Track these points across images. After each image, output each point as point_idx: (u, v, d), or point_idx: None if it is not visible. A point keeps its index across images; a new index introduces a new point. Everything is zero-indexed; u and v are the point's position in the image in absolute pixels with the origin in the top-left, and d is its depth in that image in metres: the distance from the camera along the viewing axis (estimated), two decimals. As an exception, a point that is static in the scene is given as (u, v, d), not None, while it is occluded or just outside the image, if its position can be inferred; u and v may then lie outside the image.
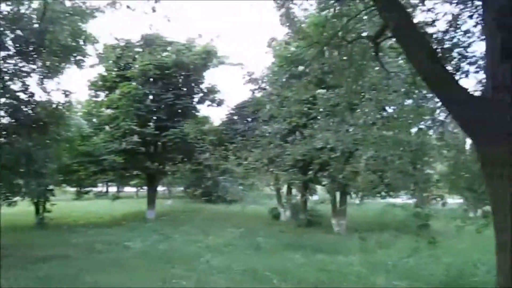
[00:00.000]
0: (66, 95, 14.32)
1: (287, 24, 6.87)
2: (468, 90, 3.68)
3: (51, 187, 17.88)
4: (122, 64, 20.35)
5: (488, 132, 3.45)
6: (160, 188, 35.04)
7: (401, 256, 10.41)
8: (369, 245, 12.40)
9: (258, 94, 19.41)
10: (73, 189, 26.18)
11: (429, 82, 3.77)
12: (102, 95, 21.76)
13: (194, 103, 21.58)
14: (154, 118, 19.99)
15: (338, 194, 17.28)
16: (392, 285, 8.45)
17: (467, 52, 4.68)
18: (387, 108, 9.20)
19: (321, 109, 7.48)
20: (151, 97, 20.15)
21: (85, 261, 10.74)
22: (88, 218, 21.13)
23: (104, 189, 35.99)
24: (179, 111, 20.78)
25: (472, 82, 5.02)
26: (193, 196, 27.71)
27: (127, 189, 42.67)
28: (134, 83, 19.64)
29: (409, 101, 6.49)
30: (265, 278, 9.12)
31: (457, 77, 4.65)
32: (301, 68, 6.81)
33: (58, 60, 12.68)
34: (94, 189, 26.64)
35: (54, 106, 13.91)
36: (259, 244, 13.17)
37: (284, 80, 12.36)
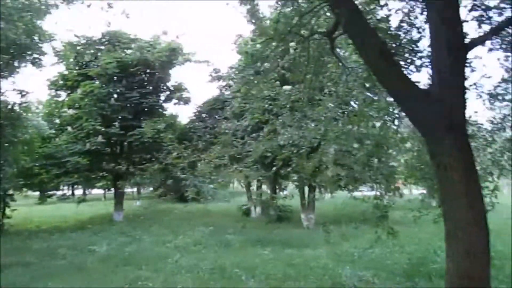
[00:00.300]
0: (23, 95, 13.67)
1: (253, 21, 6.85)
2: (417, 85, 3.78)
3: (10, 191, 17.08)
4: (84, 62, 19.64)
5: (434, 125, 3.56)
6: (128, 189, 34.29)
7: (367, 247, 10.72)
8: (336, 238, 12.67)
9: (226, 92, 19.31)
10: (36, 193, 25.16)
11: (380, 77, 3.85)
12: (63, 95, 20.94)
13: (160, 101, 21.18)
14: (119, 117, 19.42)
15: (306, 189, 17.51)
16: (358, 275, 8.68)
17: (417, 47, 4.81)
18: (352, 102, 9.38)
19: (287, 105, 7.49)
20: (115, 96, 19.55)
21: (47, 267, 10.35)
22: (51, 222, 20.32)
23: (69, 192, 34.82)
24: (146, 110, 20.34)
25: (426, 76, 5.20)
26: (162, 196, 27.25)
27: (95, 191, 41.47)
28: (97, 82, 19.01)
29: (369, 95, 6.63)
30: (234, 275, 9.14)
31: (409, 71, 4.79)
32: (266, 65, 6.79)
33: (11, 58, 12.04)
34: (58, 192, 25.68)
35: (9, 107, 13.23)
36: (229, 242, 13.16)
37: (250, 77, 12.35)
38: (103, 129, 18.57)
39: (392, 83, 3.72)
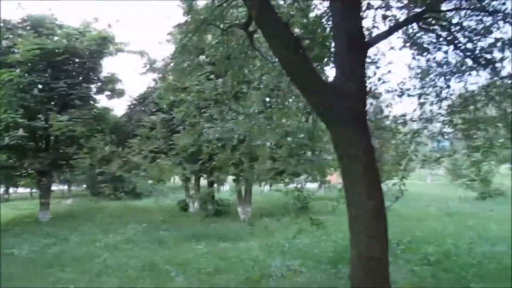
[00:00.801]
0: None
1: (189, 11, 6.67)
2: (322, 78, 3.90)
3: None
4: (1, 48, 17.82)
5: (337, 117, 3.71)
6: (59, 187, 32.13)
7: (296, 237, 11.10)
8: (269, 230, 12.97)
9: (161, 84, 18.67)
10: None
11: (288, 69, 3.92)
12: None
13: (91, 93, 19.96)
14: (44, 109, 17.99)
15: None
16: (286, 265, 8.94)
17: (331, 42, 4.98)
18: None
19: (212, 98, 7.40)
20: (39, 86, 18.06)
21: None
22: (-34, 227, 18.37)
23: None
24: (76, 101, 19.04)
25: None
26: (96, 193, 25.89)
27: (22, 190, 38.29)
28: (17, 70, 17.38)
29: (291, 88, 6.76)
30: (164, 272, 8.97)
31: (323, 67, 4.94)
32: (185, 57, 6.63)
33: None
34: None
35: None
36: (162, 238, 12.90)
37: (187, 68, 12.06)
38: (25, 122, 17.07)
39: (299, 75, 3.80)
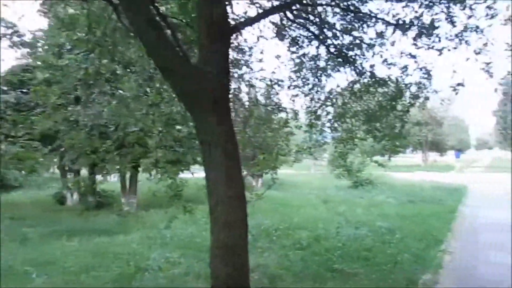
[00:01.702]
0: None
1: None
2: (185, 60, 3.69)
3: None
4: None
5: (198, 101, 3.56)
6: None
7: (181, 228, 10.87)
8: (153, 221, 12.46)
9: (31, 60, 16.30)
10: None
11: (148, 48, 3.59)
12: None
13: None
14: None
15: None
16: (165, 257, 8.62)
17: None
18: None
19: (80, 78, 6.60)
20: None
21: None
22: None
23: None
24: None
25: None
26: None
27: None
28: None
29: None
30: (22, 274, 7.88)
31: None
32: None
33: None
34: None
35: None
36: (27, 236, 11.37)
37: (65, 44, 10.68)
38: None
39: (159, 55, 3.52)
